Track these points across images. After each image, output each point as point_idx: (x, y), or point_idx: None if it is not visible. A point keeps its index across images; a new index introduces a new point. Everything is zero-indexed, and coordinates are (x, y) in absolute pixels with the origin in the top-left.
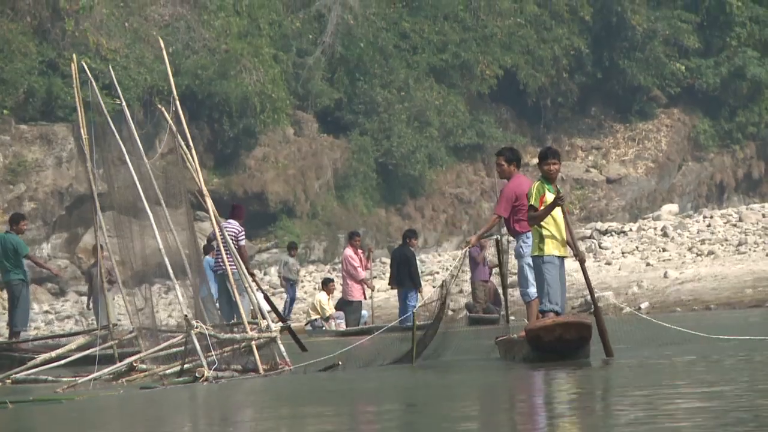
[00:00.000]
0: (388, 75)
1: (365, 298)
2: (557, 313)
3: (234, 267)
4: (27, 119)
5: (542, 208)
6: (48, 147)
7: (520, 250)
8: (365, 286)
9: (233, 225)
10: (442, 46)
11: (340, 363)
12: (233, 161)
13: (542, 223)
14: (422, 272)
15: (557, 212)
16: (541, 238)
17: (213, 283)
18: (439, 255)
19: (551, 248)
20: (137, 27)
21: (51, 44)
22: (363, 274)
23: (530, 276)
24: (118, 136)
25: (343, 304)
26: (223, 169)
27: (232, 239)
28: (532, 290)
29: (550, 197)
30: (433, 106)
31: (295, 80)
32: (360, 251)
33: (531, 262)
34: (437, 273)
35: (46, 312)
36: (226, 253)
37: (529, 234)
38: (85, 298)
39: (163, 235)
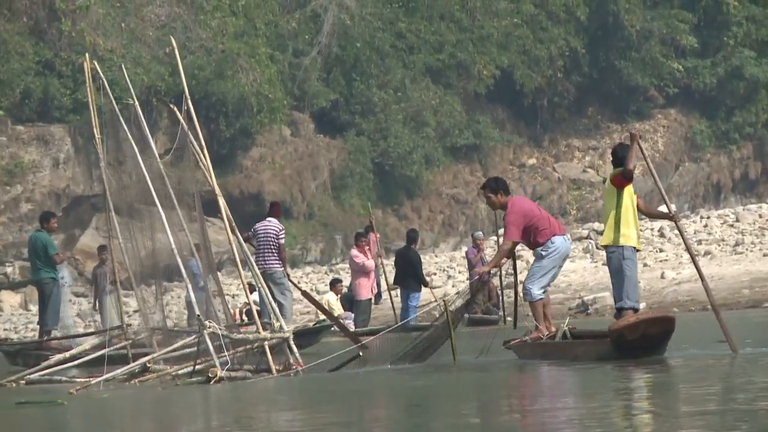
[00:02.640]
0: (385, 75)
1: (373, 295)
2: (635, 310)
3: (278, 266)
4: (23, 120)
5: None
6: (45, 148)
7: (541, 252)
8: (374, 279)
9: (274, 223)
10: (439, 46)
11: (360, 354)
12: (230, 162)
13: (619, 214)
14: None
15: (632, 202)
16: (618, 229)
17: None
18: (436, 256)
19: (629, 240)
20: (134, 27)
21: (47, 44)
22: (371, 265)
23: (539, 278)
24: (129, 135)
25: (350, 303)
26: (220, 170)
27: (273, 237)
28: (536, 291)
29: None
30: (430, 107)
31: (291, 81)
32: (367, 248)
33: (547, 264)
34: (434, 274)
35: None
36: (267, 252)
37: (553, 240)
38: (82, 299)
39: (174, 236)
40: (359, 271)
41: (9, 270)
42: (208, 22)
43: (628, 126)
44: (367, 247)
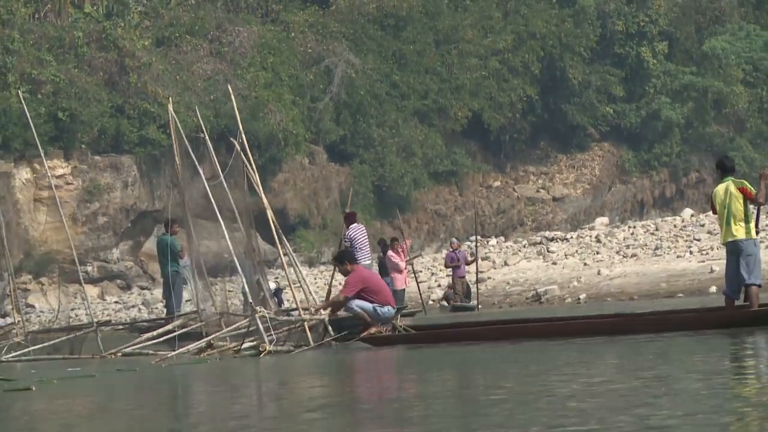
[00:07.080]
0: (382, 116)
1: (407, 286)
2: (759, 286)
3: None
4: (100, 152)
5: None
6: (116, 174)
7: (375, 306)
8: (407, 274)
9: (360, 226)
10: (424, 93)
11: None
12: (261, 184)
13: (749, 216)
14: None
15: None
16: (749, 226)
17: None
18: (422, 258)
19: (754, 232)
20: (185, 79)
21: (118, 93)
22: (403, 265)
23: (361, 305)
24: (196, 162)
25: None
26: (253, 191)
27: (363, 238)
28: (353, 306)
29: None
30: (417, 141)
31: (309, 120)
32: (401, 247)
33: (368, 308)
34: (420, 271)
35: (116, 302)
36: (363, 251)
37: (385, 308)
38: (146, 292)
39: (232, 241)
40: (394, 268)
41: (89, 269)
42: (243, 75)
43: (570, 155)
44: (401, 249)
